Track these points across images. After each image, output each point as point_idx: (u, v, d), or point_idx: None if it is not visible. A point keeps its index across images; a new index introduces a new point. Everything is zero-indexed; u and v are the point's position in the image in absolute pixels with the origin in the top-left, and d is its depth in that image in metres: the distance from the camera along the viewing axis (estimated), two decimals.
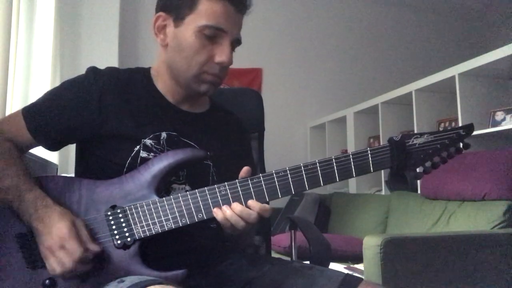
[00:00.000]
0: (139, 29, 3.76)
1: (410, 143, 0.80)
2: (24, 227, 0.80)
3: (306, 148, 4.32)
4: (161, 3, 0.93)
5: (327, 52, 4.48)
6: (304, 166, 0.80)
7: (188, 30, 0.88)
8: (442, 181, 2.26)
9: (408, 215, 2.52)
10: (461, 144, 0.81)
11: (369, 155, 0.79)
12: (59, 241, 0.74)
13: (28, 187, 0.79)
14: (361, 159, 0.79)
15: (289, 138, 4.24)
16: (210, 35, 0.87)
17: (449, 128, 2.77)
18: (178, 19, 0.89)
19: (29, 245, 0.79)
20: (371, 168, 0.79)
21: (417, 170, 0.81)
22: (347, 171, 0.79)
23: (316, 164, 0.80)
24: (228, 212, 0.78)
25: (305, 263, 0.97)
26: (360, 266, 2.16)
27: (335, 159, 0.80)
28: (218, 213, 0.79)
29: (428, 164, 0.81)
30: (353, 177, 0.80)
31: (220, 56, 0.88)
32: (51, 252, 0.75)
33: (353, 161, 0.79)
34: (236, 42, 0.92)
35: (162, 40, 0.93)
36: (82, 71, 0.93)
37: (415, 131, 2.91)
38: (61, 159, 2.33)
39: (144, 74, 0.97)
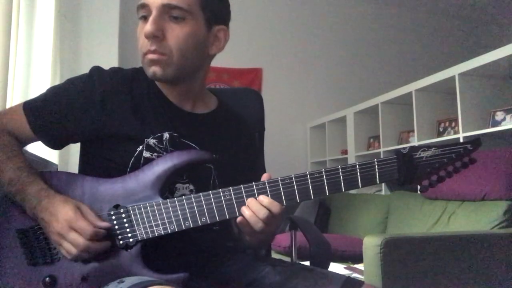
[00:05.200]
0: None
1: (417, 156, 0.79)
2: (25, 223, 0.80)
3: (306, 148, 4.32)
4: None
5: (327, 52, 4.48)
6: (310, 175, 0.79)
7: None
8: None
9: (408, 215, 2.52)
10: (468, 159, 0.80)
11: (376, 166, 0.78)
12: (67, 223, 0.74)
13: (30, 180, 0.79)
14: (367, 170, 0.78)
15: (289, 138, 4.24)
16: (143, 16, 0.86)
17: (449, 128, 2.77)
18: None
19: (30, 241, 0.79)
20: (377, 180, 0.78)
21: (422, 183, 0.81)
22: (353, 182, 0.78)
23: (322, 173, 0.79)
24: (247, 213, 0.77)
25: (306, 265, 0.97)
26: (360, 266, 2.16)
27: (341, 169, 0.78)
28: (245, 212, 0.78)
29: (434, 177, 0.80)
30: (359, 188, 0.79)
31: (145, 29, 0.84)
32: (62, 237, 0.75)
33: (359, 172, 0.78)
34: (167, 8, 0.83)
35: None
36: (82, 70, 0.93)
37: (415, 131, 2.91)
38: (61, 159, 2.32)
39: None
